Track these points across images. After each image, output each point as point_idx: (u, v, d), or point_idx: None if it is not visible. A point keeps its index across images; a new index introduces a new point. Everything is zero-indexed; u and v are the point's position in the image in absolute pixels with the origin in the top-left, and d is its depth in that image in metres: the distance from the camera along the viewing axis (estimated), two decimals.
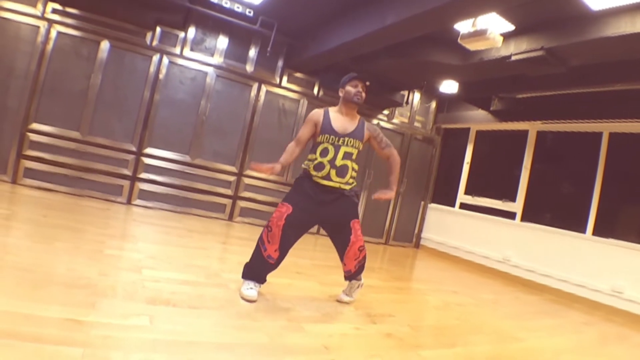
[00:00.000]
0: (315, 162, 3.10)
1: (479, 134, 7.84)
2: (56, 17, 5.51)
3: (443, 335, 3.18)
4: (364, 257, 3.30)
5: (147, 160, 6.04)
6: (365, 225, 7.60)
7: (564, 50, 4.48)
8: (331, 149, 3.08)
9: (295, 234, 3.09)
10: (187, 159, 6.30)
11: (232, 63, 6.54)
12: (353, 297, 3.43)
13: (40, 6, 5.43)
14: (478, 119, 7.56)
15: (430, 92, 7.80)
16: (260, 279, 3.06)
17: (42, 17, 5.44)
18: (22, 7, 5.36)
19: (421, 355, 2.63)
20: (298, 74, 7.04)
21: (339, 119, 3.16)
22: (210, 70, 6.37)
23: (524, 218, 6.63)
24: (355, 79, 3.17)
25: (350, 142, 3.13)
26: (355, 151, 3.16)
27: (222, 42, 6.45)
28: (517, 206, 6.75)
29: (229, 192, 6.64)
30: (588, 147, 6.02)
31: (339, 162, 3.08)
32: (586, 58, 4.78)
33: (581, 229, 5.83)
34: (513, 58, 4.77)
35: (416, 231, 8.34)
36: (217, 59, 6.43)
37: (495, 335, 3.50)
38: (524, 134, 6.90)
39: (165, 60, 6.08)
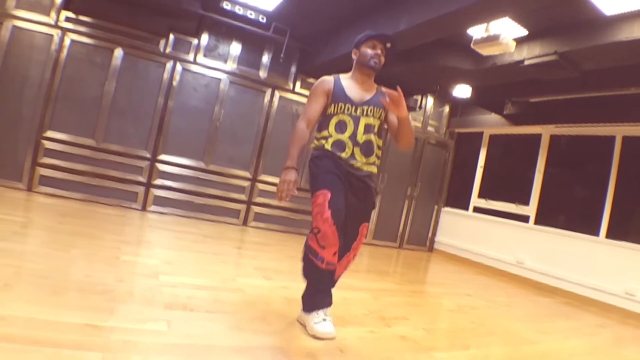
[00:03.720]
0: (331, 140, 2.54)
1: (493, 138, 7.81)
2: (69, 25, 5.60)
3: (457, 338, 3.18)
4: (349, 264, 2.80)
5: (161, 167, 6.11)
6: (379, 229, 7.62)
7: (577, 55, 4.47)
8: (349, 121, 2.53)
9: (342, 216, 2.46)
10: (201, 165, 6.36)
11: (245, 69, 6.59)
12: None
13: (53, 15, 5.52)
14: (491, 123, 7.53)
15: (443, 96, 7.79)
16: (328, 301, 2.47)
17: (55, 26, 5.53)
18: (36, 16, 5.45)
19: (435, 358, 2.64)
20: (311, 80, 7.07)
21: (353, 87, 2.61)
22: (223, 76, 6.43)
23: (538, 221, 6.59)
24: (372, 38, 2.60)
25: (371, 111, 2.57)
26: (377, 123, 2.60)
27: (235, 48, 6.51)
28: (530, 209, 6.71)
29: (243, 197, 6.68)
30: (601, 151, 5.97)
31: (360, 137, 2.53)
32: (599, 62, 4.76)
33: (594, 232, 5.79)
34: (526, 62, 4.76)
35: (430, 235, 8.31)
36: (231, 66, 6.49)
37: (509, 337, 3.48)
38: (537, 137, 6.87)
39: (179, 67, 6.15)
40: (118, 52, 5.81)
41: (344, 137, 2.52)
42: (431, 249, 8.30)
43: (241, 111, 6.62)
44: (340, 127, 2.54)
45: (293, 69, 6.94)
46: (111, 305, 2.38)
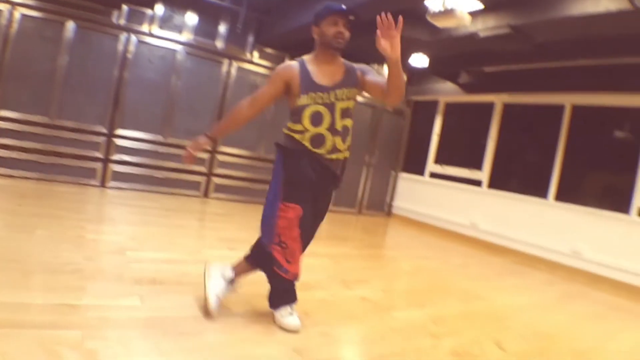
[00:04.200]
0: (307, 135, 2.32)
1: (448, 106, 8.03)
2: None
3: (414, 298, 3.41)
4: None
5: (119, 142, 6.01)
6: (338, 196, 7.79)
7: (530, 28, 4.65)
8: (325, 111, 2.31)
9: (309, 230, 2.44)
10: (159, 138, 6.30)
11: (201, 40, 6.50)
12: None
13: None
14: (447, 92, 7.74)
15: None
16: (293, 297, 2.44)
17: (4, 0, 5.28)
18: None
19: (394, 317, 2.85)
20: (269, 50, 7.04)
21: (320, 70, 2.38)
22: (179, 48, 6.32)
23: (491, 186, 6.90)
24: (333, 13, 2.33)
25: (345, 93, 2.36)
26: (352, 104, 2.41)
27: (191, 18, 6.39)
28: (483, 174, 7.00)
29: (203, 169, 6.69)
30: (551, 118, 6.26)
31: (338, 125, 2.34)
32: (550, 35, 4.96)
33: (544, 195, 6.13)
34: (481, 35, 4.91)
35: (388, 200, 8.56)
36: (187, 36, 6.38)
37: (463, 295, 3.74)
38: (490, 105, 7.12)
39: (133, 39, 6.00)
40: (70, 25, 5.60)
41: (322, 129, 2.31)
42: (389, 214, 8.56)
43: (198, 83, 6.56)
44: (316, 119, 2.31)
45: (250, 39, 6.88)
46: (82, 283, 2.44)
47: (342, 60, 2.48)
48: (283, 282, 2.38)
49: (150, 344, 1.89)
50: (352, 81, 2.41)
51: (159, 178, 6.34)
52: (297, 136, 2.35)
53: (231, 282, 2.47)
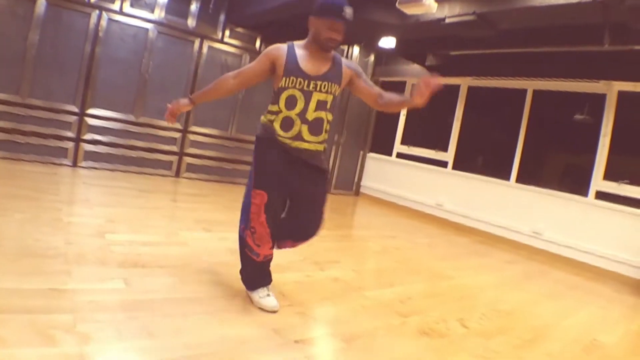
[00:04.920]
0: (280, 116, 2.39)
1: (415, 87, 8.20)
2: None
3: (383, 277, 3.61)
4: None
5: (90, 121, 5.99)
6: None
7: (494, 16, 4.80)
8: (300, 96, 2.36)
9: (277, 215, 2.51)
10: (131, 117, 6.30)
11: (173, 19, 6.46)
12: None
13: None
14: (414, 73, 7.90)
15: (369, 47, 8.02)
16: (268, 280, 2.59)
17: None
18: None
19: (365, 296, 3.04)
20: (240, 29, 7.05)
21: (308, 58, 2.40)
22: (151, 26, 6.28)
23: (455, 167, 7.15)
24: (332, 16, 2.32)
25: (325, 86, 2.39)
26: (330, 98, 2.43)
27: None
28: (449, 155, 7.25)
29: (174, 149, 6.73)
30: (514, 102, 6.51)
31: (310, 114, 2.38)
32: (514, 23, 5.13)
33: (506, 177, 6.41)
34: (447, 21, 5.06)
35: (356, 180, 8.76)
36: (158, 15, 6.33)
37: (429, 274, 3.97)
38: (456, 88, 7.32)
39: (105, 16, 5.92)
40: (40, 2, 5.47)
41: (292, 113, 2.37)
42: (357, 193, 8.77)
43: (170, 61, 6.54)
44: (290, 102, 2.37)
45: (222, 19, 6.87)
46: (67, 267, 2.53)
47: (333, 53, 2.49)
48: (255, 264, 2.54)
49: (139, 326, 2.03)
50: (337, 76, 2.45)
51: (131, 157, 6.36)
52: (271, 117, 2.44)
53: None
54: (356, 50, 8.18)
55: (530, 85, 6.34)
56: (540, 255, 5.70)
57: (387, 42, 6.75)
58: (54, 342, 1.75)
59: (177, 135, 6.72)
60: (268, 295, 2.52)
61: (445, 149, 7.33)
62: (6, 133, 5.48)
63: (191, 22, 6.61)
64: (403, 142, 8.19)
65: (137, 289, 2.44)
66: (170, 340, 1.97)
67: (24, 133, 5.58)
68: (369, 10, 5.66)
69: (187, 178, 6.85)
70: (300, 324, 2.41)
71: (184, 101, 2.55)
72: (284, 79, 2.37)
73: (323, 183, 2.60)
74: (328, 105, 2.44)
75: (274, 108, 2.43)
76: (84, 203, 4.35)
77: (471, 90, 7.19)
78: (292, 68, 2.37)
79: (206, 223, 4.29)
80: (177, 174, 6.81)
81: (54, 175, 5.19)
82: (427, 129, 8.05)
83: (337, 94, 2.48)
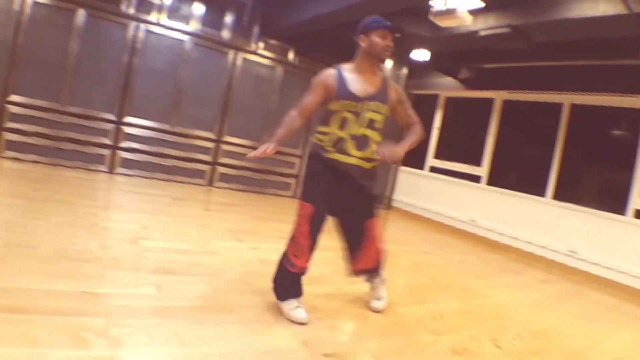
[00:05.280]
0: (332, 136, 2.53)
1: (448, 100, 8.13)
2: None
3: (415, 293, 3.54)
4: (382, 256, 2.89)
5: (127, 129, 6.14)
6: None
7: (529, 28, 4.74)
8: (351, 118, 2.49)
9: (318, 230, 2.57)
10: (166, 127, 6.42)
11: (208, 30, 6.58)
12: (384, 297, 2.99)
13: None
14: (447, 86, 7.83)
15: (401, 59, 7.99)
16: (299, 292, 2.59)
17: None
18: None
19: (396, 312, 2.97)
20: (273, 41, 7.13)
21: (358, 80, 2.52)
22: (186, 38, 6.42)
23: (489, 182, 7.02)
24: (384, 27, 2.49)
25: (374, 106, 2.52)
26: (380, 118, 2.55)
27: (198, 9, 6.47)
28: (482, 170, 7.13)
29: (208, 158, 6.82)
30: (550, 116, 6.36)
31: (359, 131, 2.51)
32: (549, 36, 5.05)
33: (542, 193, 6.24)
34: (481, 33, 5.01)
35: (388, 194, 8.69)
36: (194, 27, 6.46)
37: (462, 292, 3.88)
38: (490, 101, 7.21)
39: (142, 28, 6.09)
40: (80, 13, 5.69)
41: (344, 133, 2.50)
42: (389, 207, 8.70)
43: (205, 72, 6.66)
44: (342, 123, 2.51)
45: (256, 31, 6.96)
46: (101, 272, 2.58)
47: (382, 73, 2.64)
48: (288, 275, 2.55)
49: (170, 332, 2.03)
50: (384, 97, 2.57)
51: (165, 166, 6.47)
52: (321, 137, 2.57)
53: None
54: (388, 63, 8.16)
55: (567, 99, 6.19)
56: (576, 274, 5.51)
57: (420, 55, 6.71)
58: (86, 344, 1.77)
59: (211, 145, 6.80)
60: (298, 307, 2.50)
61: (479, 163, 7.21)
62: (47, 139, 5.68)
63: (226, 34, 6.71)
64: (436, 156, 8.10)
65: (169, 296, 2.45)
66: (200, 348, 1.97)
67: (63, 139, 5.78)
68: (402, 23, 5.65)
69: (220, 187, 6.92)
70: (330, 337, 2.38)
71: (272, 146, 2.48)
72: (335, 102, 2.51)
73: (367, 196, 2.71)
74: (377, 125, 2.56)
75: (324, 129, 2.57)
76: (119, 209, 4.43)
77: (506, 104, 7.07)
78: (343, 92, 2.48)
79: (238, 233, 4.31)
80: (211, 183, 6.89)
81: (91, 181, 5.32)
82: (460, 143, 7.95)
83: (386, 114, 2.61)
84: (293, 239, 2.55)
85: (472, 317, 3.24)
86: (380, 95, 2.55)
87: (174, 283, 2.66)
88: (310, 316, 2.50)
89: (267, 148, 2.47)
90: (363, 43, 2.53)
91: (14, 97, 5.50)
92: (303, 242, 2.52)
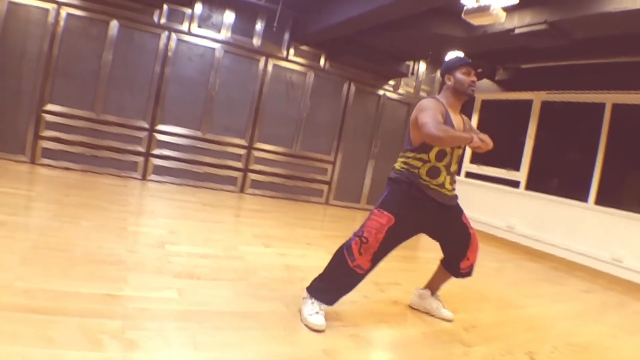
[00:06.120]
0: (428, 165, 2.52)
1: (485, 103, 7.92)
2: None
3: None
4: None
5: (159, 137, 6.22)
6: (372, 196, 7.81)
7: (567, 24, 4.53)
8: (448, 151, 2.55)
9: (394, 244, 2.57)
10: (198, 134, 6.47)
11: (239, 38, 6.61)
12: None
13: None
14: (483, 89, 7.63)
15: (435, 62, 7.85)
16: (332, 299, 2.50)
17: (50, 0, 5.53)
18: None
19: (426, 321, 2.85)
20: (304, 47, 7.11)
21: (452, 115, 2.60)
22: (217, 46, 6.46)
23: (528, 187, 6.77)
24: (466, 64, 2.60)
25: None
26: (461, 152, 2.72)
27: (229, 17, 6.51)
28: (521, 175, 6.89)
29: (239, 165, 6.82)
30: (591, 117, 6.09)
31: (453, 167, 2.63)
32: (589, 31, 4.83)
33: (584, 198, 5.96)
34: (516, 31, 4.84)
35: None
36: (225, 35, 6.51)
37: (497, 302, 3.70)
38: (528, 103, 6.98)
39: (174, 37, 6.17)
40: (113, 24, 5.82)
41: (441, 165, 2.54)
42: None
43: (236, 80, 6.69)
44: (441, 155, 2.53)
45: (286, 37, 6.96)
46: (124, 274, 2.56)
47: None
48: (344, 269, 2.47)
49: (187, 337, 1.98)
50: (469, 131, 2.63)
51: (197, 172, 6.51)
52: (416, 164, 2.54)
53: None
54: (422, 66, 8.03)
55: (609, 98, 5.91)
56: (620, 284, 5.21)
57: (454, 56, 6.55)
58: (100, 346, 1.74)
59: (243, 151, 6.81)
60: (317, 312, 2.42)
61: (517, 168, 6.97)
62: (81, 147, 5.82)
63: (256, 41, 6.73)
64: (472, 161, 7.90)
65: (190, 300, 2.41)
66: (217, 354, 1.91)
67: (98, 147, 5.90)
68: (434, 24, 5.54)
69: (251, 194, 6.92)
70: (352, 347, 2.27)
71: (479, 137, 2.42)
72: None
73: (455, 206, 2.75)
74: (460, 158, 2.71)
75: (424, 157, 2.53)
76: (149, 214, 4.46)
77: (544, 105, 6.83)
78: (449, 125, 2.50)
79: (266, 238, 4.27)
80: (242, 190, 6.89)
81: (124, 188, 5.40)
82: (498, 147, 7.63)
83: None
84: (363, 240, 2.48)
85: (507, 328, 3.08)
86: (467, 130, 2.64)
87: (196, 287, 2.62)
88: (333, 324, 2.42)
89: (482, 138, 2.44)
90: (449, 82, 2.62)
91: (50, 106, 5.64)
92: (374, 245, 2.46)
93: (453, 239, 2.81)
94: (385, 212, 2.50)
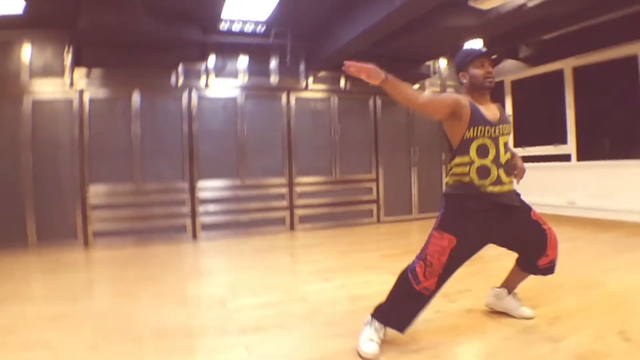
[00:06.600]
0: (474, 166, 2.39)
1: (515, 84, 7.67)
2: (84, 82, 5.84)
3: (524, 299, 3.17)
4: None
5: (201, 194, 6.29)
6: (423, 204, 7.61)
7: None
8: (490, 144, 2.40)
9: (460, 263, 2.45)
10: (237, 182, 6.51)
11: (256, 80, 6.69)
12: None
13: (67, 77, 5.76)
14: (510, 70, 7.41)
15: (455, 55, 7.68)
16: (395, 324, 2.40)
17: (72, 87, 5.78)
18: (52, 84, 5.71)
19: (505, 324, 2.69)
20: (322, 73, 7.10)
21: (482, 107, 2.47)
22: (238, 92, 6.55)
23: (580, 158, 6.45)
24: (477, 57, 2.50)
25: (506, 129, 2.48)
26: (508, 139, 2.52)
27: (243, 62, 6.60)
28: (570, 147, 6.58)
29: (284, 203, 6.81)
30: (626, 71, 5.80)
31: (503, 158, 2.44)
32: None
33: (638, 155, 5.62)
34: (529, 4, 4.67)
35: None
36: (242, 80, 6.59)
37: (576, 285, 3.48)
38: (559, 73, 6.72)
39: (194, 94, 6.30)
40: (135, 96, 6.00)
41: (488, 161, 2.40)
42: None
43: (262, 121, 6.73)
44: (482, 151, 2.40)
45: (302, 68, 6.98)
46: (191, 342, 2.54)
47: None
48: (408, 291, 2.37)
49: None
50: (508, 118, 2.55)
51: (244, 220, 6.53)
52: (463, 170, 2.42)
53: None
54: (442, 63, 7.88)
55: (639, 48, 5.59)
56: None
57: (473, 46, 6.39)
58: None
59: (284, 190, 6.80)
60: (372, 340, 2.33)
61: (564, 141, 6.67)
62: (130, 220, 5.95)
63: (274, 79, 6.78)
64: (516, 145, 7.61)
65: (259, 355, 2.35)
66: None
67: (145, 217, 6.01)
68: (445, 19, 5.42)
69: (301, 230, 6.87)
70: None
71: (381, 73, 2.29)
72: (471, 129, 2.39)
73: (519, 208, 2.57)
74: (509, 146, 2.53)
75: (465, 159, 2.42)
76: (205, 274, 4.46)
77: (577, 71, 6.54)
78: (479, 117, 2.40)
79: (324, 272, 4.17)
80: (292, 228, 6.86)
81: (177, 252, 5.44)
82: (539, 125, 7.41)
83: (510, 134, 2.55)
84: (427, 263, 2.36)
85: (592, 311, 2.87)
86: (505, 117, 2.53)
87: (263, 340, 2.55)
88: (410, 348, 2.34)
89: (380, 74, 2.29)
90: (464, 79, 2.55)
91: (92, 188, 5.82)
92: (438, 268, 2.35)
93: (526, 242, 2.60)
94: (445, 234, 2.38)
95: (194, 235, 6.26)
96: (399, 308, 2.40)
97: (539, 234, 2.57)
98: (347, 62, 2.29)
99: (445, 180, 2.58)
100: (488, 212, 2.41)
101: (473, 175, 2.39)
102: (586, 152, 6.39)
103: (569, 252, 4.72)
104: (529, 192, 6.87)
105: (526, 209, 2.61)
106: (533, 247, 2.59)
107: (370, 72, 2.27)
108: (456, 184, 2.46)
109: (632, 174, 5.64)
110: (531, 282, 3.43)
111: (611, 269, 3.91)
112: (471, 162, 2.39)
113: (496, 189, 2.40)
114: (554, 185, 6.69)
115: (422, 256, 2.40)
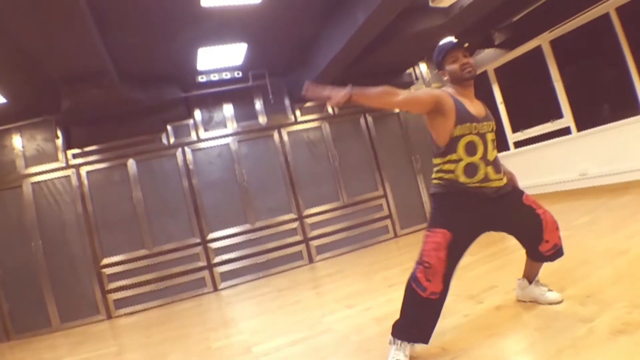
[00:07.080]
0: (462, 164, 2.36)
1: (498, 71, 7.65)
2: (79, 160, 5.97)
3: (551, 283, 3.07)
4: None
5: (214, 245, 6.30)
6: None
7: None
8: (477, 141, 2.37)
9: (459, 257, 2.38)
10: (247, 227, 6.51)
11: (245, 124, 6.76)
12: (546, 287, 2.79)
13: (61, 157, 5.91)
14: (490, 59, 7.41)
15: (430, 57, 7.70)
16: (418, 336, 2.33)
17: (67, 166, 5.91)
18: (47, 166, 5.87)
19: (536, 315, 2.61)
20: (308, 104, 7.15)
21: (467, 102, 2.44)
22: (230, 139, 6.62)
23: (580, 128, 6.37)
24: (450, 51, 2.48)
25: (491, 125, 2.47)
26: (494, 136, 2.49)
27: (228, 110, 6.69)
28: (567, 121, 6.51)
29: (298, 238, 6.77)
30: (604, 32, 5.76)
31: (490, 155, 2.40)
32: None
33: (636, 111, 5.54)
34: None
35: None
36: (232, 127, 6.67)
37: (601, 256, 3.39)
38: (538, 50, 6.70)
39: (188, 150, 6.37)
40: (130, 163, 6.10)
41: (475, 159, 2.36)
42: None
43: (259, 162, 6.77)
44: (470, 149, 2.36)
45: (287, 103, 7.06)
46: None
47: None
48: (418, 302, 2.29)
49: None
50: (491, 116, 2.54)
51: (262, 263, 6.50)
52: (450, 168, 2.39)
53: None
54: (423, 67, 7.91)
55: (610, 6, 5.57)
56: None
57: (446, 41, 6.41)
58: None
59: (295, 224, 6.78)
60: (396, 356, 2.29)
61: (559, 115, 6.60)
62: (147, 285, 5.97)
63: (262, 119, 6.85)
64: (514, 130, 7.55)
65: None
66: None
67: (162, 279, 6.03)
68: (411, 24, 5.47)
69: (320, 260, 6.80)
70: None
71: (343, 92, 2.19)
72: (458, 126, 2.35)
73: (510, 192, 2.52)
74: (495, 143, 2.49)
75: (453, 157, 2.38)
76: (228, 323, 4.40)
77: (554, 44, 6.51)
78: (465, 114, 2.37)
79: (347, 299, 4.11)
80: (310, 260, 6.80)
81: (199, 307, 5.41)
82: (532, 105, 7.34)
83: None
84: (425, 265, 2.29)
85: (622, 281, 2.77)
86: (489, 113, 2.53)
87: None
88: (443, 357, 2.27)
89: (337, 94, 2.20)
90: (444, 77, 2.54)
91: (106, 260, 5.87)
92: (439, 266, 2.28)
93: (521, 226, 2.55)
94: (438, 230, 2.33)
95: (214, 287, 6.23)
96: (414, 321, 2.32)
97: (532, 218, 2.51)
98: (305, 89, 2.29)
99: (432, 178, 2.56)
100: (476, 202, 2.38)
101: (460, 173, 2.37)
102: (584, 121, 6.30)
103: (589, 223, 4.64)
104: (539, 174, 6.85)
105: (517, 194, 2.56)
106: (529, 233, 2.54)
107: (330, 96, 2.22)
108: (441, 182, 2.45)
109: (633, 132, 5.54)
110: (556, 264, 3.34)
111: (634, 232, 3.81)
112: (459, 160, 2.36)
113: (484, 184, 2.38)
114: (561, 161, 6.59)
115: (419, 260, 2.34)
